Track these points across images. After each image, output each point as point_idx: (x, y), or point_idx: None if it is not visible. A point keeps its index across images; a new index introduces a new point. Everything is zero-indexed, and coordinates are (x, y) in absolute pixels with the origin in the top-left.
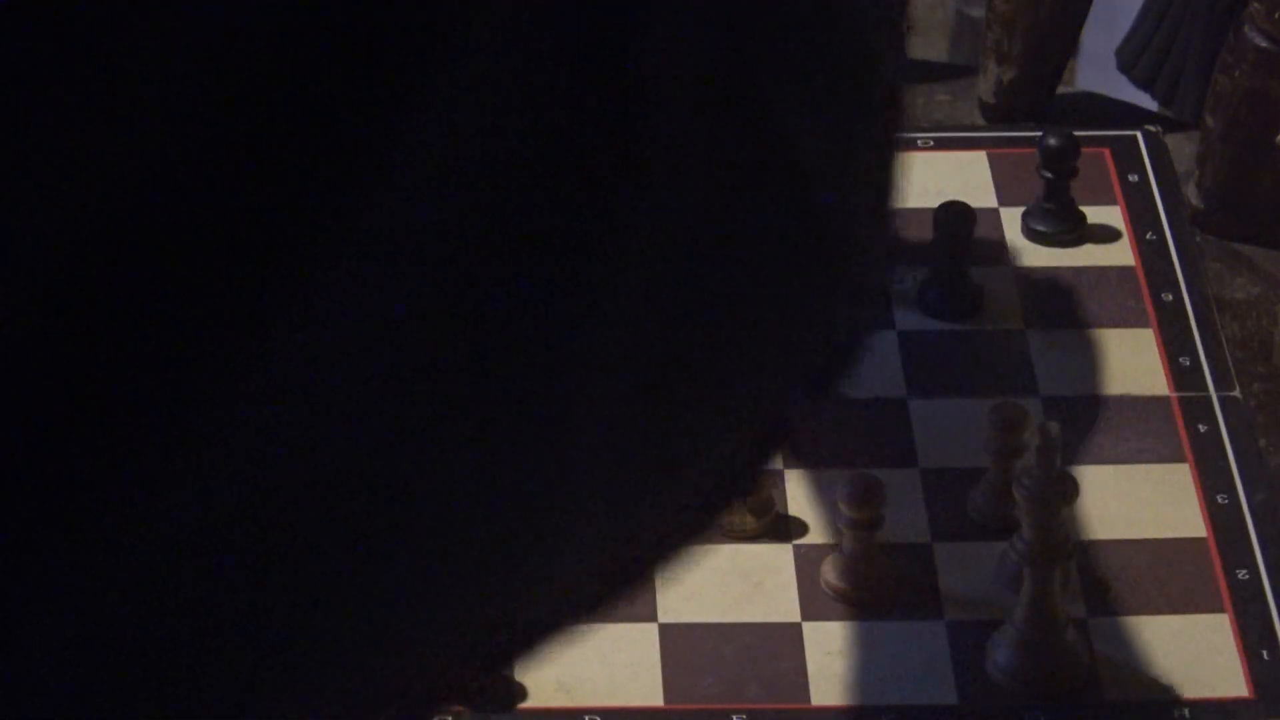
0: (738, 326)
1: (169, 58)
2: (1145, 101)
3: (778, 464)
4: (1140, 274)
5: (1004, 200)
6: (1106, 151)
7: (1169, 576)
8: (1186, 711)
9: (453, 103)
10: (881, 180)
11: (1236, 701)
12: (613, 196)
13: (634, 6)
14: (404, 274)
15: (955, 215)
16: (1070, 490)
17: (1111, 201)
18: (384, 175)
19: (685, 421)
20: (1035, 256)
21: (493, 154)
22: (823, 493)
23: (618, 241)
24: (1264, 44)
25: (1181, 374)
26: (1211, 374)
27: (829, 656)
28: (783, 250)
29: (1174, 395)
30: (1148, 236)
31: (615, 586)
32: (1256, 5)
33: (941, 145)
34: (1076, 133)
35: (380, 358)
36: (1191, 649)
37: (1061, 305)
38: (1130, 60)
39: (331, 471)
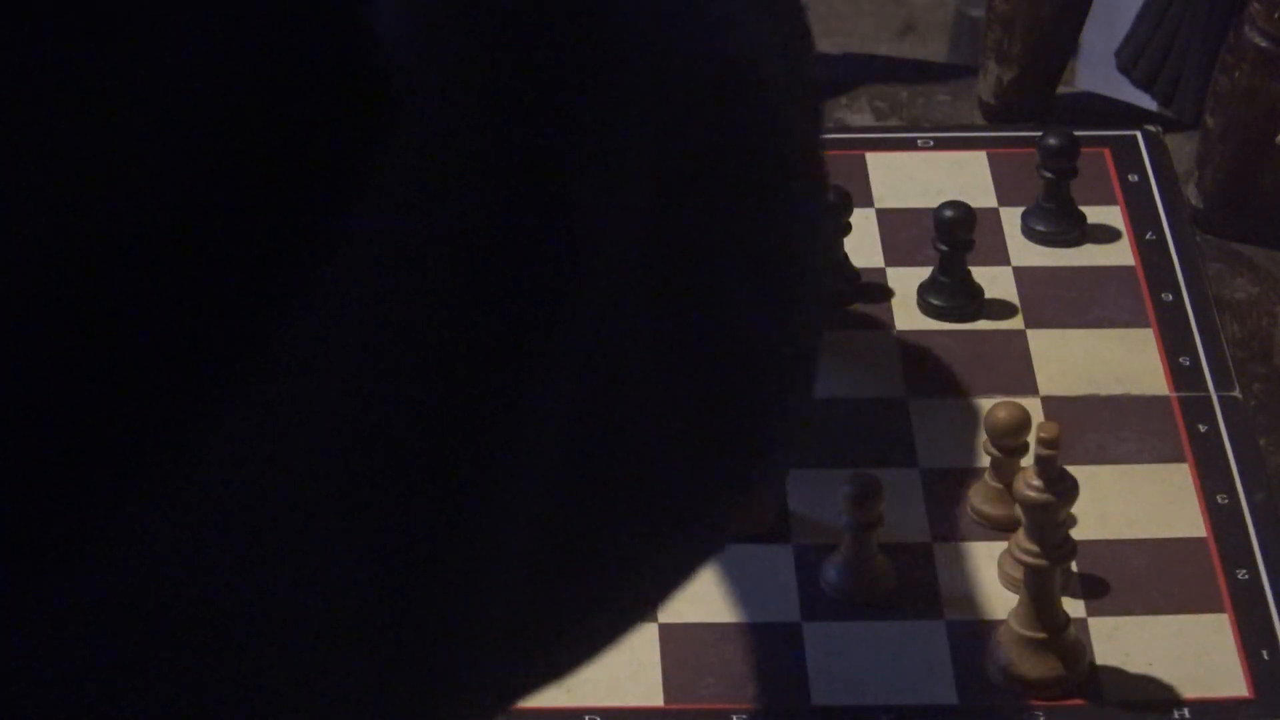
0: (655, 475)
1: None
2: (1145, 101)
3: None
4: (1140, 274)
5: (1004, 200)
6: (1106, 151)
7: (1169, 576)
8: (1186, 711)
9: (386, 232)
10: (809, 347)
11: (1236, 701)
12: (548, 332)
13: (576, 150)
14: (331, 401)
15: (955, 215)
16: (1070, 490)
17: (1111, 201)
18: (312, 302)
19: (611, 534)
20: (1035, 256)
21: (431, 279)
22: (823, 493)
23: (548, 379)
24: (1264, 44)
25: (1181, 374)
26: (1211, 374)
27: (829, 656)
28: (709, 406)
29: (1174, 395)
30: (1148, 236)
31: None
32: (1256, 5)
33: (941, 145)
34: (1076, 133)
35: (298, 485)
36: (1191, 649)
37: (1061, 305)
38: (1130, 60)
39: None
